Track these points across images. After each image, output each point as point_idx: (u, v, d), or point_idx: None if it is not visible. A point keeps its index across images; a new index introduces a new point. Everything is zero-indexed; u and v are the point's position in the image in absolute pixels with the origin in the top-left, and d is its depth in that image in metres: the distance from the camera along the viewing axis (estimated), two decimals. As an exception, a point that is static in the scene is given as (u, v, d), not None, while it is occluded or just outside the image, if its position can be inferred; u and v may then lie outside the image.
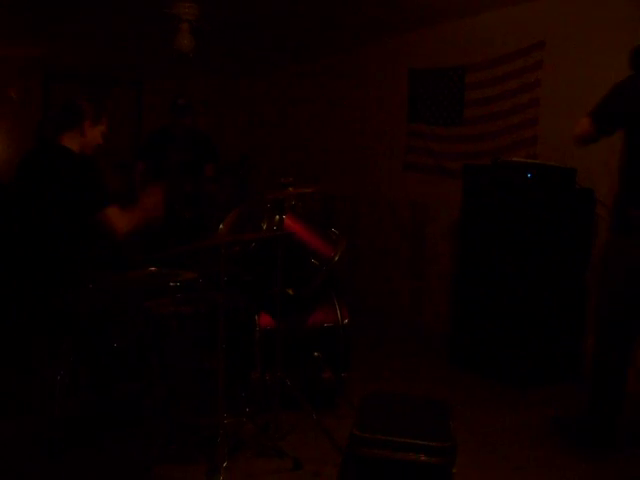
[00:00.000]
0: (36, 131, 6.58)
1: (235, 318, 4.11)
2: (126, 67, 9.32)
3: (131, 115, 9.66)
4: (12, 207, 3.94)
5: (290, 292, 4.10)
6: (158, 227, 4.19)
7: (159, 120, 7.04)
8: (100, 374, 3.79)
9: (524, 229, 4.96)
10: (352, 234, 7.63)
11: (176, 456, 3.60)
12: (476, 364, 5.33)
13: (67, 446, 3.64)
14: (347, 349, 4.46)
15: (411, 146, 7.01)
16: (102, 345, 3.72)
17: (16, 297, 3.88)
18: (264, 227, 4.11)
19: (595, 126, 3.68)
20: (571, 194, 5.10)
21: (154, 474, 3.46)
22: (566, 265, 5.12)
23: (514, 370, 5.03)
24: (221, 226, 4.25)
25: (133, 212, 3.83)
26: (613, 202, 3.92)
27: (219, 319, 3.39)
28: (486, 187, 5.25)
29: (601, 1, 5.08)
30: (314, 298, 4.44)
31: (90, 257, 3.76)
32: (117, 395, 3.80)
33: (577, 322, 5.23)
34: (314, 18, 6.53)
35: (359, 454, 3.11)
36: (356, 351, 4.70)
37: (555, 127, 5.42)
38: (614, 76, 4.89)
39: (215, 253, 3.43)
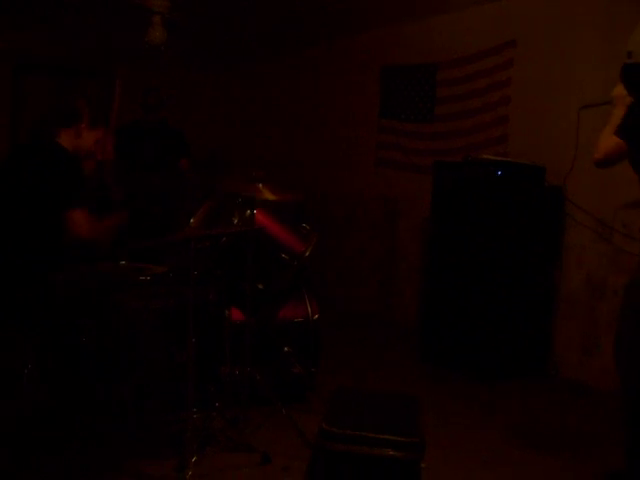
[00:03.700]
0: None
1: (205, 312, 4.10)
2: (97, 59, 9.23)
3: (102, 107, 9.56)
4: None
5: (260, 287, 4.10)
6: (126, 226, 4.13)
7: (129, 112, 6.98)
8: (68, 368, 3.75)
9: (493, 226, 5.00)
10: (323, 229, 7.63)
11: (145, 451, 3.58)
12: (445, 359, 5.37)
13: (34, 441, 3.61)
14: (317, 344, 4.46)
15: (382, 142, 7.03)
16: (70, 339, 3.69)
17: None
18: (235, 222, 4.10)
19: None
20: (540, 192, 5.16)
21: (123, 469, 3.44)
22: (535, 261, 5.18)
23: (483, 365, 5.08)
24: (192, 220, 4.23)
25: (103, 221, 3.79)
26: None
27: (188, 313, 3.38)
28: (456, 184, 5.28)
29: (572, 1, 5.13)
30: (284, 293, 4.44)
31: (59, 250, 3.72)
32: (85, 390, 3.77)
33: (545, 318, 5.30)
34: (285, 13, 6.53)
35: (328, 448, 3.13)
36: (326, 346, 4.70)
37: (525, 125, 5.48)
38: (584, 75, 4.97)
39: (185, 247, 3.42)
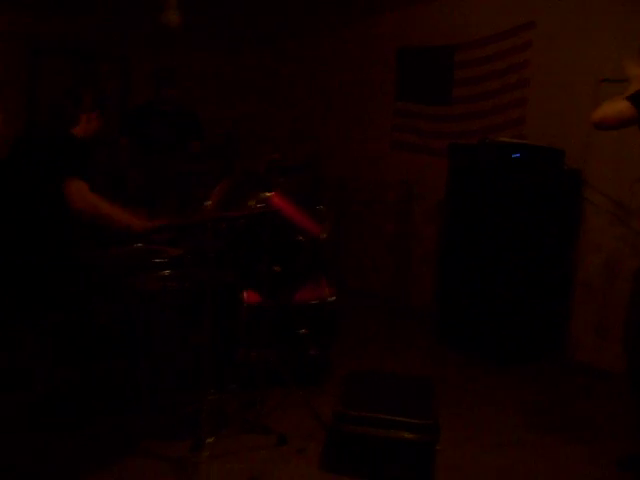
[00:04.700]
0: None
1: (221, 294, 4.11)
2: (113, 41, 9.23)
3: (118, 90, 9.56)
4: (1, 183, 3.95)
5: (277, 269, 4.11)
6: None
7: (146, 96, 6.98)
8: (85, 351, 3.78)
9: (510, 209, 4.97)
10: (339, 212, 7.63)
11: (161, 432, 3.61)
12: (461, 342, 5.36)
13: (50, 422, 3.65)
14: (333, 326, 4.47)
15: (398, 125, 7.00)
16: (87, 321, 3.72)
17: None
18: (252, 204, 4.10)
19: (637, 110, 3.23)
20: (558, 175, 5.12)
21: (139, 449, 3.47)
22: (552, 245, 5.15)
23: (499, 348, 5.07)
24: (208, 202, 4.24)
25: (113, 206, 3.83)
26: None
27: (205, 295, 3.39)
28: (472, 167, 5.25)
29: (591, -19, 5.08)
30: (301, 275, 4.44)
31: (75, 233, 3.75)
32: (102, 372, 3.80)
33: (562, 301, 5.27)
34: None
35: (343, 430, 3.15)
36: (342, 328, 4.71)
37: (543, 108, 5.43)
38: (603, 57, 4.92)
39: (202, 229, 3.42)
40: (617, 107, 3.27)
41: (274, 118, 9.35)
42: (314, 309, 4.42)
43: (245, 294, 4.23)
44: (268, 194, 3.93)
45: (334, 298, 4.47)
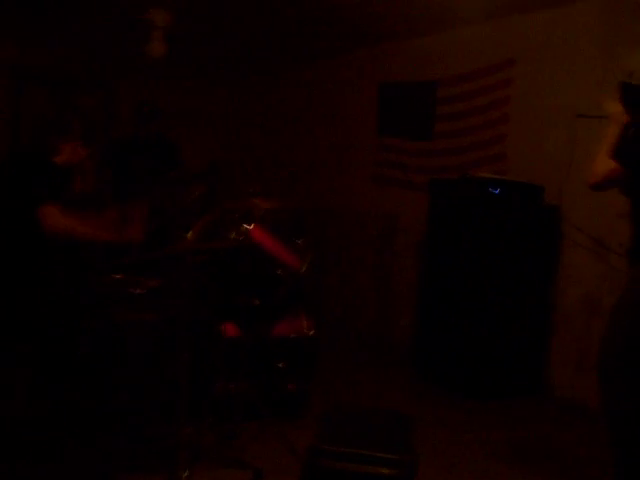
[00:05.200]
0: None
1: (199, 327, 4.09)
2: (97, 71, 9.25)
3: (102, 120, 9.56)
4: None
5: (256, 302, 4.09)
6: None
7: (130, 126, 6.97)
8: (60, 382, 3.74)
9: (490, 244, 4.99)
10: (320, 246, 7.62)
11: (136, 466, 3.56)
12: (440, 377, 5.35)
13: (25, 455, 3.59)
14: (312, 360, 4.45)
15: (381, 159, 7.03)
16: (62, 352, 3.68)
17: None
18: (232, 236, 4.10)
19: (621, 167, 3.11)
20: (537, 211, 5.15)
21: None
22: (531, 280, 5.16)
23: (478, 383, 5.06)
24: (188, 233, 4.23)
25: (87, 225, 3.84)
26: None
27: (182, 328, 3.37)
28: (452, 202, 5.27)
29: (571, 20, 5.15)
30: (280, 309, 4.43)
31: (53, 264, 3.73)
32: (76, 403, 3.75)
33: (541, 336, 5.28)
34: (285, 30, 6.54)
35: (319, 465, 3.11)
36: (321, 362, 4.69)
37: (523, 144, 5.48)
38: (582, 94, 4.98)
39: (180, 261, 3.41)
40: (607, 168, 3.16)
41: (257, 151, 9.37)
42: (293, 343, 4.40)
43: (224, 327, 4.21)
44: (248, 227, 3.93)
45: (313, 332, 4.45)
